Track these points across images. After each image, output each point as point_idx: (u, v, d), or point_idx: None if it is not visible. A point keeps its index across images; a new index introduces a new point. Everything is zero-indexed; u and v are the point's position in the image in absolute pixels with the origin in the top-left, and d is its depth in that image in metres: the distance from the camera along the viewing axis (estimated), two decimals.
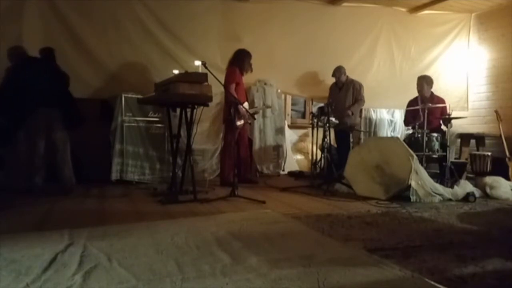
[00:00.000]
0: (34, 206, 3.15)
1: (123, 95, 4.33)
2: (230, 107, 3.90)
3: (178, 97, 3.30)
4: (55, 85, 3.70)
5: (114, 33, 4.54)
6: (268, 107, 5.15)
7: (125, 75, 4.60)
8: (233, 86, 4.26)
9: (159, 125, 4.57)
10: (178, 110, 3.75)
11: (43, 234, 2.27)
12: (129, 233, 2.29)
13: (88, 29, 4.44)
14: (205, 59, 3.69)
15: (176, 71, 4.04)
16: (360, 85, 5.13)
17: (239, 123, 4.29)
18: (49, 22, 4.29)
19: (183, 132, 3.67)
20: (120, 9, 4.55)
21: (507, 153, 4.67)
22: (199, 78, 3.34)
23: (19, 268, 1.70)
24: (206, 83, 3.35)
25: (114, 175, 4.25)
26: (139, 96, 4.10)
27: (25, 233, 2.29)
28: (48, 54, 3.85)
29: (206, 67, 3.36)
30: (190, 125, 3.52)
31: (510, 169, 4.57)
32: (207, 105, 3.58)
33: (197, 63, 3.69)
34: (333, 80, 5.22)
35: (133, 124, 4.41)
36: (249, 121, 4.75)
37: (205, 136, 4.98)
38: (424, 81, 4.78)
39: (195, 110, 3.54)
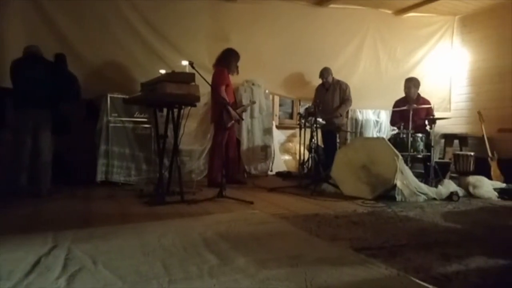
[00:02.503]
0: (18, 208, 3.09)
1: (109, 95, 4.26)
2: (220, 108, 3.89)
3: (165, 97, 3.27)
4: (50, 87, 3.63)
5: (99, 32, 4.46)
6: (253, 103, 5.14)
7: (111, 75, 4.52)
8: (223, 88, 4.24)
9: (146, 125, 4.52)
10: (165, 110, 3.72)
11: (26, 237, 2.22)
12: (114, 235, 2.26)
13: (73, 28, 4.34)
14: (193, 59, 3.65)
15: (163, 71, 4.00)
16: (347, 86, 5.18)
17: (230, 123, 4.27)
18: (32, 20, 4.18)
19: (170, 133, 3.64)
20: (106, 7, 4.47)
21: (489, 153, 4.78)
22: (186, 78, 3.31)
23: (0, 272, 1.65)
24: (193, 83, 3.33)
25: (100, 176, 4.19)
26: (125, 96, 4.04)
27: (8, 236, 2.23)
28: (58, 58, 3.83)
29: (193, 67, 3.34)
30: (177, 125, 3.49)
31: (492, 169, 4.67)
32: (195, 106, 3.56)
33: (184, 63, 3.66)
34: (319, 81, 5.25)
35: (118, 125, 4.34)
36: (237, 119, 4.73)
37: (192, 136, 4.95)
38: (412, 84, 4.86)
39: (182, 110, 3.51)
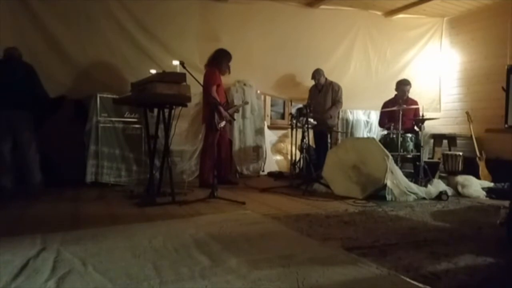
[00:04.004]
0: (4, 210, 3.03)
1: (98, 95, 4.22)
2: (211, 108, 3.88)
3: (155, 97, 3.25)
4: (23, 86, 3.59)
5: (88, 31, 4.41)
6: (246, 103, 5.14)
7: (100, 75, 4.47)
8: (214, 88, 4.23)
9: (136, 125, 4.49)
10: (155, 110, 3.69)
11: (13, 239, 2.18)
12: (104, 236, 2.23)
13: (61, 27, 4.28)
14: (183, 58, 3.64)
15: (153, 71, 3.98)
16: (339, 87, 5.21)
17: (222, 124, 4.27)
18: (20, 20, 4.11)
19: (161, 133, 3.61)
20: (95, 7, 4.43)
21: (477, 153, 4.85)
22: (177, 78, 3.30)
23: None
24: (184, 83, 3.31)
25: (89, 177, 4.14)
26: (115, 96, 4.01)
27: None
28: (14, 54, 3.70)
29: (184, 67, 3.33)
30: (168, 125, 3.47)
31: (480, 169, 4.74)
32: (186, 106, 3.54)
33: (175, 62, 3.64)
34: (311, 81, 5.27)
35: (108, 125, 4.30)
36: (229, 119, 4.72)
37: (183, 137, 4.92)
38: (409, 86, 4.94)
39: (173, 111, 3.49)
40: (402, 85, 4.96)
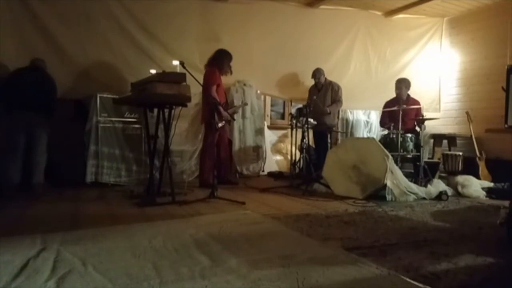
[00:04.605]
0: (5, 210, 3.03)
1: (98, 95, 4.22)
2: (211, 108, 3.88)
3: (155, 97, 3.25)
4: (41, 94, 3.76)
5: (88, 31, 4.41)
6: (245, 104, 5.15)
7: (100, 75, 4.47)
8: (214, 88, 4.23)
9: (136, 125, 4.49)
10: (155, 110, 3.69)
11: (13, 239, 2.18)
12: (104, 237, 2.23)
13: (61, 27, 4.29)
14: (183, 58, 3.64)
15: (153, 71, 3.98)
16: (338, 87, 5.21)
17: (221, 124, 4.27)
18: (20, 20, 4.12)
19: (161, 133, 3.61)
20: (95, 7, 4.43)
21: (477, 153, 4.85)
22: (177, 78, 3.30)
23: None
24: (184, 83, 3.31)
25: (89, 177, 4.15)
26: (115, 96, 4.01)
27: None
28: (39, 64, 3.92)
29: (184, 67, 3.32)
30: (168, 125, 3.47)
31: (480, 168, 4.74)
32: (186, 106, 3.54)
33: (175, 62, 3.64)
34: (311, 81, 5.27)
35: (108, 125, 4.30)
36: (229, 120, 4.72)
37: (183, 137, 4.92)
38: (403, 85, 4.93)
39: (173, 111, 3.49)
40: (397, 83, 4.97)
